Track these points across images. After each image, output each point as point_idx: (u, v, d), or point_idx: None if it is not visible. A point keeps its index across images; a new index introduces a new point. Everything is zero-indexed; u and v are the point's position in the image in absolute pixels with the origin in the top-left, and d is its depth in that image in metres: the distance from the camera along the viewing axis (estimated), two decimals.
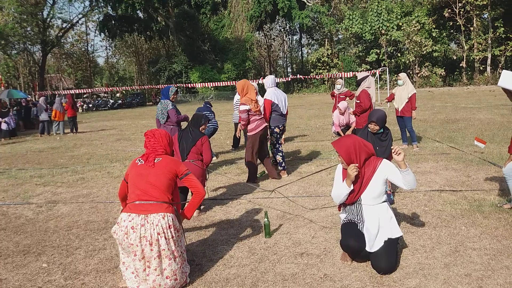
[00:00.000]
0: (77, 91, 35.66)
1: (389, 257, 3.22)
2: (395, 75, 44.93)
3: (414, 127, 12.06)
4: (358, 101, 7.28)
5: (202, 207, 5.19)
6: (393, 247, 3.33)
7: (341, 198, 3.47)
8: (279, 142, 6.89)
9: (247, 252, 3.82)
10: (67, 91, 29.86)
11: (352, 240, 3.31)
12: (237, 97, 9.90)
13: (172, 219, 3.12)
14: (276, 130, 6.77)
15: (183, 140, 5.05)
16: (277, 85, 7.69)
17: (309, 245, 3.89)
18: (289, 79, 38.70)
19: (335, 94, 10.76)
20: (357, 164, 3.33)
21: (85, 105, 39.54)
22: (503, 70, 4.24)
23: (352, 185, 3.39)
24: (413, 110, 8.51)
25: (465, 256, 3.46)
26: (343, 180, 3.44)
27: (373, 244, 3.32)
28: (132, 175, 3.26)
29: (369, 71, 27.59)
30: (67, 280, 3.45)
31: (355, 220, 3.45)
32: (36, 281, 3.46)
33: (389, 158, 4.82)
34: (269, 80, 7.06)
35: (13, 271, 3.69)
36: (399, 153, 3.25)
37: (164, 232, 3.03)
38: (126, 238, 3.03)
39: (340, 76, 28.13)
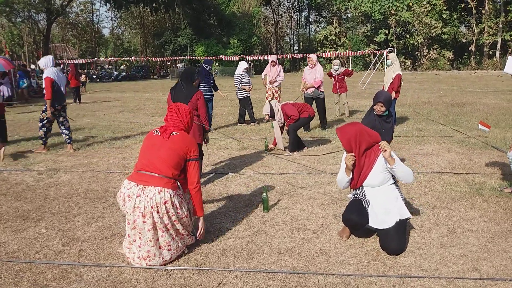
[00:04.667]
0: (81, 61, 35.31)
1: (399, 238, 3.20)
2: (402, 57, 44.43)
3: (418, 109, 11.99)
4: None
5: (202, 180, 5.19)
6: (403, 228, 3.31)
7: (343, 184, 3.52)
8: (65, 117, 7.33)
9: (244, 225, 3.84)
10: (71, 61, 29.60)
11: (353, 215, 3.32)
12: (238, 71, 9.83)
13: (171, 195, 3.04)
14: (58, 107, 7.10)
15: (176, 96, 4.78)
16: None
17: (306, 221, 3.90)
18: (294, 57, 38.33)
19: (333, 75, 10.70)
20: (353, 154, 3.30)
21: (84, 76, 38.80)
22: (510, 56, 4.17)
23: (352, 173, 3.40)
24: (393, 91, 8.48)
25: (462, 238, 3.46)
26: None
27: (381, 221, 3.28)
28: (146, 144, 3.23)
29: (378, 51, 27.29)
30: (65, 246, 3.48)
31: (361, 197, 3.45)
32: (35, 246, 3.50)
33: (390, 139, 4.95)
34: (45, 60, 7.08)
35: (12, 235, 3.72)
36: (385, 150, 3.18)
37: (157, 207, 2.99)
38: (124, 205, 3.05)
39: (337, 56, 27.84)
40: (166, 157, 3.11)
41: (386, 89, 8.57)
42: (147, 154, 3.16)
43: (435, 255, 3.16)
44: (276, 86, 9.88)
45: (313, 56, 8.98)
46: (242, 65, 9.95)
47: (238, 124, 9.98)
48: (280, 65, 10.06)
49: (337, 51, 43.15)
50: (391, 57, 8.73)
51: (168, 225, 3.08)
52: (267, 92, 10.00)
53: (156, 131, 3.28)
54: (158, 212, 3.01)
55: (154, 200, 2.99)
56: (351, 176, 3.42)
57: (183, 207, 3.15)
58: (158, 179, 3.05)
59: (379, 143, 3.24)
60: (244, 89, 9.81)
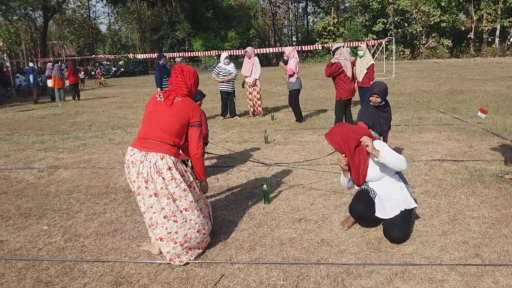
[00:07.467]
0: (79, 58, 35.21)
1: (402, 227, 3.21)
2: (401, 46, 44.26)
3: (418, 98, 11.97)
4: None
5: None
6: (408, 218, 3.32)
7: (346, 186, 3.58)
8: None
9: (246, 217, 3.84)
10: (69, 57, 29.51)
11: (360, 205, 3.34)
12: (221, 65, 9.65)
13: (174, 162, 2.97)
14: None
15: None
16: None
17: (307, 211, 3.90)
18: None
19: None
20: (343, 155, 3.34)
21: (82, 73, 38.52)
22: None
23: (349, 174, 3.44)
24: (371, 81, 8.45)
25: (463, 224, 3.46)
26: None
27: (385, 212, 3.30)
28: (149, 109, 3.13)
29: (344, 43, 27.12)
30: (67, 242, 3.49)
31: (367, 188, 3.46)
32: (37, 243, 3.51)
33: (389, 128, 4.93)
34: None
35: (14, 233, 3.73)
36: (367, 145, 3.20)
37: (161, 173, 2.93)
38: (128, 173, 3.01)
39: (347, 45, 27.70)
40: (167, 125, 3.02)
41: (360, 80, 8.56)
42: (150, 121, 3.07)
43: (437, 243, 3.16)
44: (256, 80, 9.51)
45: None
46: (222, 56, 9.77)
47: (221, 117, 9.93)
48: (255, 58, 9.57)
49: (336, 42, 43.00)
50: (362, 47, 8.71)
51: (175, 194, 2.98)
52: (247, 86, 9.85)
53: (159, 95, 3.15)
54: (163, 178, 2.93)
55: (156, 165, 2.93)
56: (349, 176, 3.46)
57: (189, 176, 3.09)
58: (159, 146, 2.98)
59: (361, 139, 3.25)
60: (222, 81, 9.59)
